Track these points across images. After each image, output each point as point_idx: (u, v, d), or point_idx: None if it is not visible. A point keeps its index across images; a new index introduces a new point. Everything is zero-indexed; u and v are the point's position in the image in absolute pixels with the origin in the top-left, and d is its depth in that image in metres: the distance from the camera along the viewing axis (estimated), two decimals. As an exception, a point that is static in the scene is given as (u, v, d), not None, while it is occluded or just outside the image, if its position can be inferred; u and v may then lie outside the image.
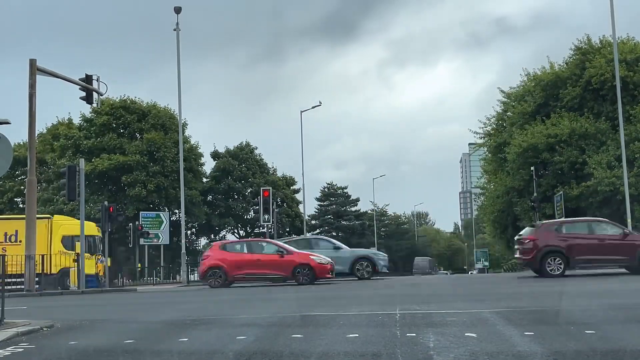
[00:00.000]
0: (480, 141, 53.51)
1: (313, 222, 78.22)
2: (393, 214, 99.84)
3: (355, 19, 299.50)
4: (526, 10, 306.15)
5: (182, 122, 43.33)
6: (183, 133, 44.07)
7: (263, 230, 41.13)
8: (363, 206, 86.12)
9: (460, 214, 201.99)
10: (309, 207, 71.79)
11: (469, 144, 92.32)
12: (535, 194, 40.68)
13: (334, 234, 73.53)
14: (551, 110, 43.97)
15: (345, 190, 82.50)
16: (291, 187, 63.46)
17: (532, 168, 40.98)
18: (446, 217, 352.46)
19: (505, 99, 50.07)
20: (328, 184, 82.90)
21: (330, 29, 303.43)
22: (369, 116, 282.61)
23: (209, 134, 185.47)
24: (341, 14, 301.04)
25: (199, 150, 54.79)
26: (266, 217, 36.31)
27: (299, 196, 61.39)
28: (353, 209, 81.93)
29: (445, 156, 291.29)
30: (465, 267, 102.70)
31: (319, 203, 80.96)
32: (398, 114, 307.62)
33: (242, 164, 58.96)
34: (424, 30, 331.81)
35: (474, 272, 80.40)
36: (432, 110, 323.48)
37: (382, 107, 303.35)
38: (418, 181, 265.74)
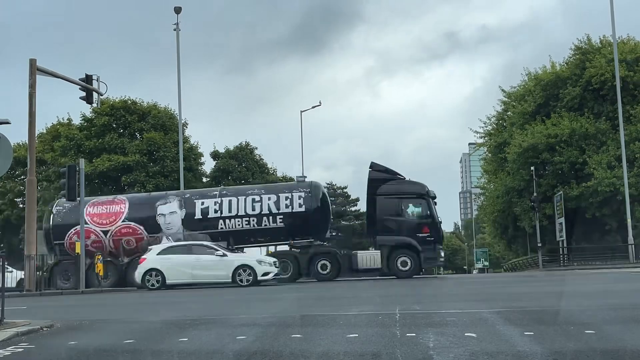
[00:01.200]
0: (481, 141, 53.55)
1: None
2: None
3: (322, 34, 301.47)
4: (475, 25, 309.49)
5: (182, 122, 43.34)
6: (183, 133, 44.07)
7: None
8: (363, 206, 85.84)
9: (460, 214, 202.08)
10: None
11: (469, 143, 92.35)
12: (535, 194, 40.68)
13: (333, 234, 73.28)
14: (551, 110, 43.96)
15: (345, 190, 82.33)
16: (291, 187, 63.34)
17: (532, 168, 40.98)
18: (446, 217, 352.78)
19: (506, 99, 50.07)
20: (328, 183, 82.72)
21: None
22: (355, 121, 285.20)
23: (209, 134, 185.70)
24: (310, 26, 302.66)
25: (199, 150, 54.78)
26: (266, 217, 36.28)
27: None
28: (353, 209, 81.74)
29: (444, 156, 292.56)
30: (465, 267, 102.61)
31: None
32: (384, 119, 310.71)
33: (241, 164, 58.88)
34: (412, 40, 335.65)
35: (475, 271, 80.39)
36: (420, 114, 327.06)
37: (368, 113, 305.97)
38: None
